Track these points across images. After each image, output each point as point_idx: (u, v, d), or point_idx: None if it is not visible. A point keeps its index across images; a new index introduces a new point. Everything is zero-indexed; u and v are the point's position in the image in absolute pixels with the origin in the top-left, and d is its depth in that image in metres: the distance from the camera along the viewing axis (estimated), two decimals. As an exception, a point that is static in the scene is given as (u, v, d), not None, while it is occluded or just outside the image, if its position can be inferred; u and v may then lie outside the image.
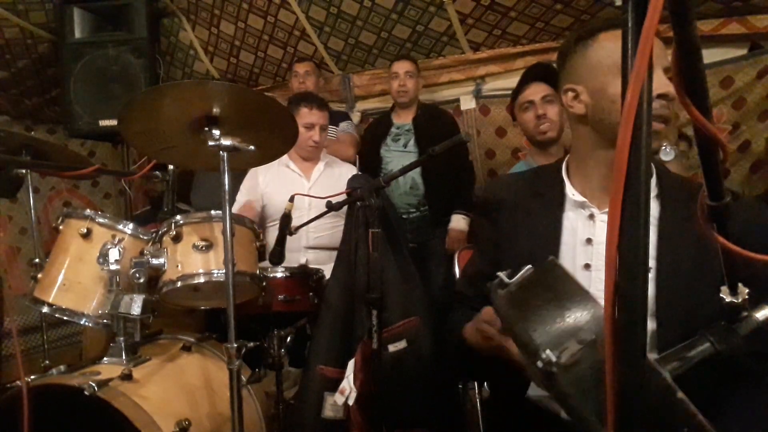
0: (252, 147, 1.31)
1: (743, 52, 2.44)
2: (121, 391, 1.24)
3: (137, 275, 1.40)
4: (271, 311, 1.77)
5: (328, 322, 1.82)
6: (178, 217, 1.50)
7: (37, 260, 1.61)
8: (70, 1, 3.00)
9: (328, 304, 1.83)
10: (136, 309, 1.39)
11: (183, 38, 3.46)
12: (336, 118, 2.86)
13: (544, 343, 0.60)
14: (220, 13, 3.20)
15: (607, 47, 0.96)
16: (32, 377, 1.27)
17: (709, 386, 0.76)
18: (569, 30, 2.66)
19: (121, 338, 1.44)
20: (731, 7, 2.34)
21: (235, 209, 2.28)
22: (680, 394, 0.54)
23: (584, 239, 1.02)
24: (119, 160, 3.90)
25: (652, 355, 0.78)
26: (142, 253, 1.48)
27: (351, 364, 1.63)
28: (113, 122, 2.88)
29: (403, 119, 2.69)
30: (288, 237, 1.68)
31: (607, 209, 0.90)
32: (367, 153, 2.76)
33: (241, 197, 2.38)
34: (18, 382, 1.20)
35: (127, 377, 1.29)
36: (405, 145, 2.65)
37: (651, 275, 0.93)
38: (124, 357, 1.43)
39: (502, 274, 0.72)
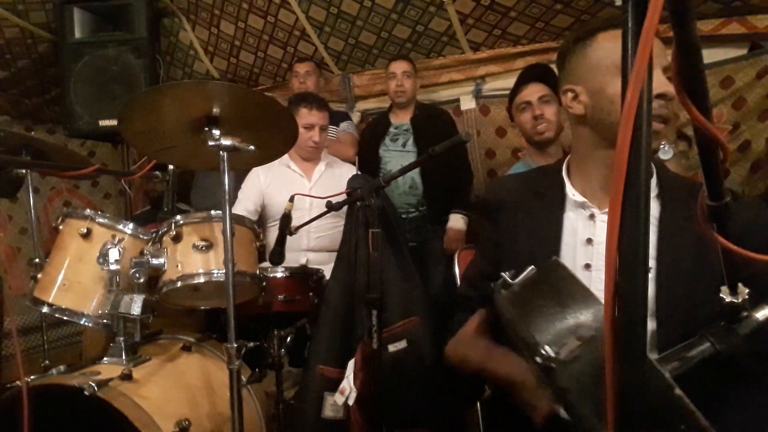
0: (252, 147, 1.31)
1: (743, 52, 2.44)
2: (121, 391, 1.24)
3: (137, 275, 1.40)
4: (271, 311, 1.77)
5: (328, 322, 1.82)
6: (178, 217, 1.50)
7: (37, 260, 1.60)
8: (70, 1, 2.99)
9: (328, 304, 1.83)
10: (136, 309, 1.39)
11: (183, 38, 3.47)
12: (336, 118, 2.86)
13: (544, 340, 0.60)
14: (220, 13, 3.20)
15: (606, 47, 0.96)
16: (32, 377, 1.27)
17: (709, 386, 0.76)
18: (569, 30, 2.66)
19: (121, 338, 1.44)
20: (731, 7, 2.34)
21: (235, 209, 2.28)
22: (678, 391, 0.54)
23: (584, 239, 1.02)
24: (119, 160, 3.90)
25: (652, 355, 0.78)
26: (142, 253, 1.48)
27: (351, 364, 1.63)
28: (113, 122, 2.88)
29: (401, 119, 2.70)
30: (288, 237, 1.68)
31: (607, 209, 0.90)
32: (366, 153, 2.76)
33: (242, 197, 2.38)
34: (18, 382, 1.20)
35: (127, 377, 1.29)
36: (404, 145, 2.65)
37: (651, 275, 0.93)
38: (124, 357, 1.43)
39: (505, 275, 0.73)
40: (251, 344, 1.47)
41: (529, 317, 0.65)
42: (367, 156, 2.75)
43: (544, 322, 0.63)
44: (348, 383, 1.60)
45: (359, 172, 2.61)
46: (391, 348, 1.71)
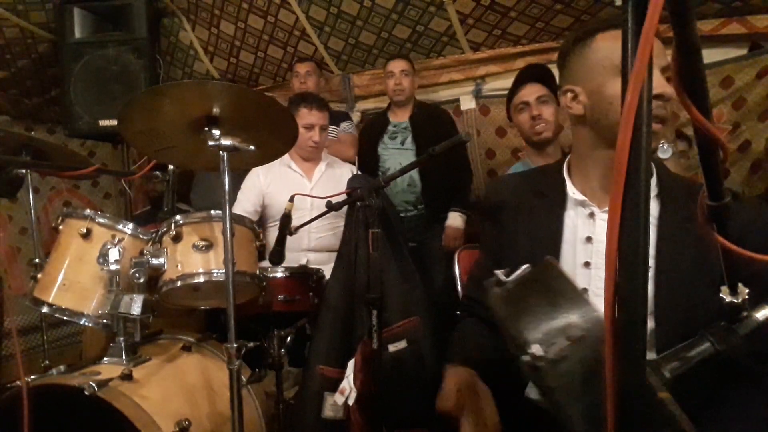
0: (252, 147, 1.31)
1: (743, 52, 2.44)
2: (121, 391, 1.24)
3: (137, 275, 1.40)
4: (271, 311, 1.77)
5: (328, 322, 1.82)
6: (178, 217, 1.50)
7: (37, 260, 1.60)
8: (70, 1, 3.00)
9: (328, 304, 1.83)
10: (136, 309, 1.39)
11: (183, 38, 3.47)
12: (336, 118, 2.86)
13: (533, 339, 0.60)
14: (220, 13, 3.20)
15: (605, 48, 0.96)
16: (32, 377, 1.27)
17: (709, 386, 0.76)
18: (569, 30, 2.66)
19: (121, 338, 1.44)
20: (731, 7, 2.34)
21: (235, 209, 2.28)
22: (662, 395, 0.54)
23: (584, 237, 1.03)
24: (119, 160, 3.90)
25: (650, 355, 0.78)
26: (142, 253, 1.48)
27: (351, 364, 1.63)
28: (113, 122, 2.88)
29: (400, 117, 2.70)
30: (289, 237, 1.68)
31: (606, 208, 0.90)
32: (365, 152, 2.77)
33: (242, 197, 2.38)
34: (18, 382, 1.20)
35: (127, 377, 1.29)
36: (402, 143, 2.65)
37: (650, 274, 0.94)
38: (124, 357, 1.43)
39: (499, 273, 0.73)
40: (251, 344, 1.47)
41: (520, 315, 0.65)
42: (365, 154, 2.75)
43: (535, 321, 0.63)
44: (348, 383, 1.60)
45: (360, 173, 2.61)
46: (391, 348, 1.71)
